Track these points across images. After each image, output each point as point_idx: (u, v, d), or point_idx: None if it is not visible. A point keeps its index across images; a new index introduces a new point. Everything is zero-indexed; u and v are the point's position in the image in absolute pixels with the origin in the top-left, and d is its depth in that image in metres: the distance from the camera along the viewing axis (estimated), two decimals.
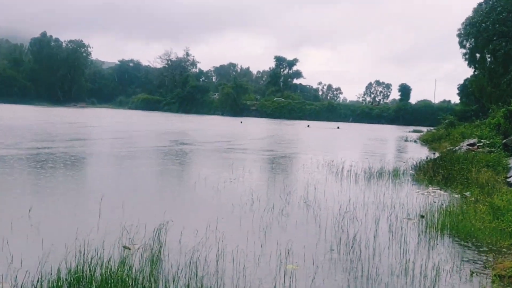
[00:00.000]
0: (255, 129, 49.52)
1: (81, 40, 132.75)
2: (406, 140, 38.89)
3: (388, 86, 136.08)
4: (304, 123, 73.31)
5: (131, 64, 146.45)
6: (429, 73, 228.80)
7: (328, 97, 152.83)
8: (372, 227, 8.15)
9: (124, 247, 6.25)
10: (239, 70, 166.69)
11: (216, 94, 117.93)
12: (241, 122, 64.58)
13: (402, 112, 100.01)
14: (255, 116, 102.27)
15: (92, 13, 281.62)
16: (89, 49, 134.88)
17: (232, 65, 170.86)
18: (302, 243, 6.96)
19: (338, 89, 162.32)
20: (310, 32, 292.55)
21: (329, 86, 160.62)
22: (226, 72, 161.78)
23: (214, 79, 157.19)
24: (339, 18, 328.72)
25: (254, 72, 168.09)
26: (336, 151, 25.91)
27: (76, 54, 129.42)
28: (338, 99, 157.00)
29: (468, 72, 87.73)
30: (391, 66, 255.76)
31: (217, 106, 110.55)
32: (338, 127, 61.36)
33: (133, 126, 41.48)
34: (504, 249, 6.91)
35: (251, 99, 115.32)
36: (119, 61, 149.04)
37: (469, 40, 45.69)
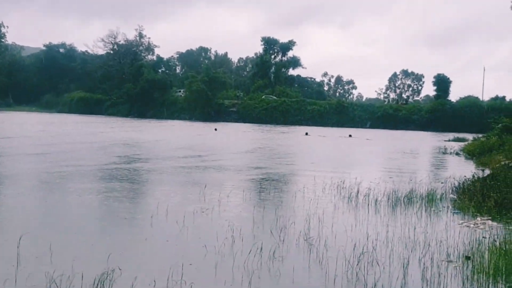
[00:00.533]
0: (236, 139, 49.54)
1: None
2: (444, 152, 39.20)
3: (419, 78, 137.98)
4: (304, 129, 73.58)
5: (61, 50, 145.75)
6: (476, 60, 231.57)
7: (338, 94, 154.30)
8: (399, 273, 8.19)
9: None
10: (213, 58, 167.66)
11: (182, 90, 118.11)
12: (216, 129, 64.38)
13: (439, 113, 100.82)
14: (237, 120, 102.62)
15: None
16: (3, 30, 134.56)
17: (204, 50, 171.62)
18: None
19: (350, 82, 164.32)
20: (313, 4, 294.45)
21: (338, 79, 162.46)
22: (195, 60, 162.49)
23: (178, 69, 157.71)
24: None
25: (235, 59, 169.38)
26: (348, 168, 26.00)
27: None
28: (351, 96, 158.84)
29: None
30: (423, 51, 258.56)
31: (184, 108, 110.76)
32: (350, 135, 61.69)
33: (65, 136, 41.21)
34: None
35: (231, 97, 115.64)
36: (44, 45, 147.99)
37: None
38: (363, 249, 9.37)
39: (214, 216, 12.23)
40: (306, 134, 60.98)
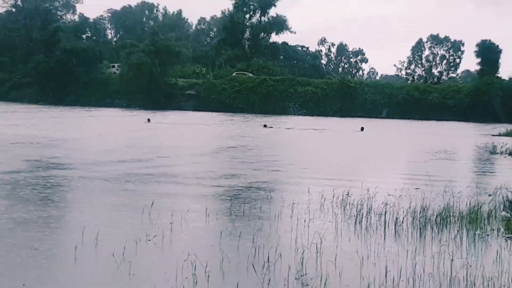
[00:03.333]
0: (196, 135, 49.48)
1: None
2: (492, 152, 39.49)
3: (456, 46, 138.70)
4: (294, 120, 73.57)
5: None
6: None
7: (341, 70, 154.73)
8: None
9: None
10: (160, 18, 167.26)
11: (117, 65, 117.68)
12: (149, 120, 63.59)
13: (485, 96, 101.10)
14: (197, 108, 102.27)
15: None
16: None
17: (148, 7, 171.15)
18: None
19: (359, 53, 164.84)
20: None
21: (341, 48, 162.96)
22: (136, 21, 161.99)
23: (111, 34, 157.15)
24: None
25: (193, 20, 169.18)
26: (356, 175, 26.14)
27: None
28: (360, 73, 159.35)
29: None
30: (463, 6, 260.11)
31: (119, 91, 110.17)
32: (362, 129, 61.64)
33: None
34: None
35: (188, 75, 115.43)
36: None
37: None
38: None
39: (165, 246, 12.24)
40: (289, 129, 60.42)
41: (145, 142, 39.17)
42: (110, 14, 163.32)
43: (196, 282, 9.76)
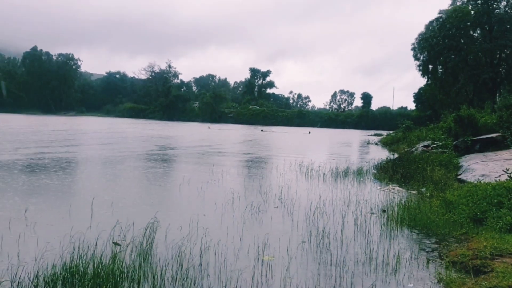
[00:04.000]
0: (232, 134, 49.45)
1: (71, 54, 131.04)
2: (368, 143, 39.42)
3: (351, 95, 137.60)
4: (280, 129, 73.45)
5: (117, 76, 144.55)
6: (389, 83, 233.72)
7: (298, 105, 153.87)
8: (340, 220, 8.26)
9: (115, 243, 6.19)
10: (217, 81, 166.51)
11: (197, 102, 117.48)
12: (209, 127, 64.71)
13: (364, 118, 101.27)
14: (233, 123, 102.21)
15: (81, 29, 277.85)
16: (79, 62, 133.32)
17: (211, 76, 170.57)
18: (277, 236, 7.01)
19: (307, 97, 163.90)
20: (286, 46, 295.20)
21: (299, 95, 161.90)
22: (205, 82, 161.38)
23: (194, 88, 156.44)
24: (314, 33, 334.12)
25: (231, 82, 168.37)
26: (305, 153, 26.06)
27: (66, 66, 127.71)
28: (308, 106, 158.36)
29: (422, 81, 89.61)
30: (356, 77, 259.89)
31: (198, 114, 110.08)
32: (309, 132, 61.63)
33: (121, 133, 40.95)
34: (455, 238, 7.10)
35: (229, 107, 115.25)
36: (106, 73, 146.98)
37: (423, 53, 46.77)
38: (316, 205, 9.45)
39: (220, 184, 12.23)
40: (262, 130, 59.94)
41: (209, 138, 39.17)
42: (194, 79, 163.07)
43: (233, 201, 9.76)
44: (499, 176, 11.16)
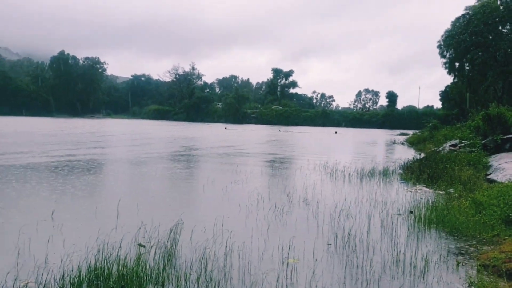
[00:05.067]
0: (255, 134, 49.45)
1: (97, 58, 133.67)
2: (394, 143, 38.83)
3: (376, 94, 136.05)
4: (301, 129, 73.12)
5: (143, 78, 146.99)
6: (415, 81, 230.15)
7: (322, 105, 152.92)
8: (366, 222, 8.11)
9: (139, 245, 6.21)
10: (239, 82, 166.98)
11: (220, 103, 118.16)
12: (226, 128, 65.20)
13: (390, 117, 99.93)
14: (256, 123, 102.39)
15: (107, 33, 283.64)
16: (105, 66, 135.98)
17: (234, 77, 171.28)
18: (302, 239, 6.92)
19: (330, 97, 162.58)
20: (310, 45, 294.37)
21: (323, 95, 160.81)
22: (228, 83, 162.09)
23: (217, 90, 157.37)
24: (341, 31, 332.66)
25: (254, 83, 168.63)
26: (329, 154, 25.81)
27: (92, 70, 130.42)
28: (331, 106, 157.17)
29: (449, 79, 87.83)
30: (381, 75, 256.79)
31: (221, 115, 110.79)
32: (336, 132, 61.21)
33: (147, 134, 41.47)
34: (486, 241, 6.86)
35: (252, 107, 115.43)
36: (132, 75, 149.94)
37: (449, 50, 45.80)
38: (341, 206, 9.31)
39: (244, 185, 12.19)
40: (279, 130, 59.43)
41: (230, 138, 39.25)
42: (217, 81, 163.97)
43: (258, 202, 9.70)
44: None
